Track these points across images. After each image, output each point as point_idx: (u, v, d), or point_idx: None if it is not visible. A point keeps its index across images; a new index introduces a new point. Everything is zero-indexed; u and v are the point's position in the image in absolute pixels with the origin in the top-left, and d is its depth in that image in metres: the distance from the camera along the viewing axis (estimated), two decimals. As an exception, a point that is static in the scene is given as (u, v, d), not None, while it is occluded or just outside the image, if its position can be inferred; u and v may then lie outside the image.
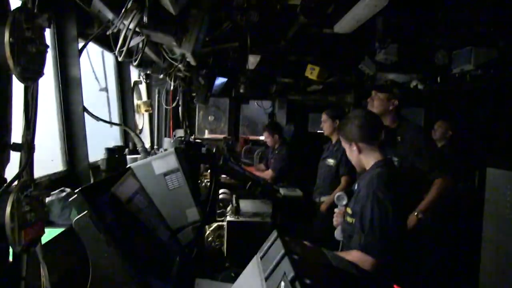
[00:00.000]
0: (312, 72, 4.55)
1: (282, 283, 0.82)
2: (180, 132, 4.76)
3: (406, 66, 4.29)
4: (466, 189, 4.09)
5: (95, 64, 2.65)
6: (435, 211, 2.84)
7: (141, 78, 3.61)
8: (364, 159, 1.98)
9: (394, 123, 2.79)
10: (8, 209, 0.92)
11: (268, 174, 5.03)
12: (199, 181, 3.28)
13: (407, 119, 2.88)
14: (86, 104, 2.16)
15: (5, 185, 0.99)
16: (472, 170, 4.44)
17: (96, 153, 2.36)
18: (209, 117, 7.38)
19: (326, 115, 4.05)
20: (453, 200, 3.70)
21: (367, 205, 1.80)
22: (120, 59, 1.86)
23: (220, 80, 5.83)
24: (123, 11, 1.65)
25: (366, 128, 1.96)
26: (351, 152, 2.02)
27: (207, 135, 7.42)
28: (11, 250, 1.01)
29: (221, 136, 7.11)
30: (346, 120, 2.05)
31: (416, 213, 2.58)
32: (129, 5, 1.64)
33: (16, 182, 1.00)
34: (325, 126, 4.06)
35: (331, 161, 3.94)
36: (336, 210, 2.16)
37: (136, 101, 3.54)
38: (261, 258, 1.02)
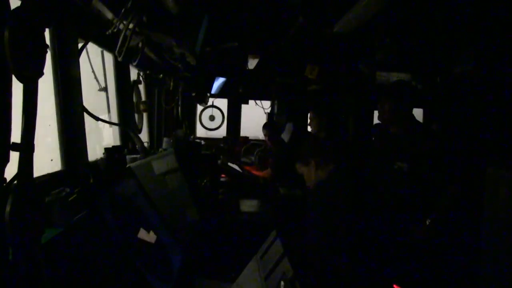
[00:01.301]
0: (312, 72, 4.54)
1: (282, 283, 0.82)
2: (180, 132, 4.75)
3: (406, 66, 4.27)
4: (465, 190, 4.08)
5: (95, 64, 2.65)
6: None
7: (141, 78, 3.60)
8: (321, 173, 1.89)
9: (405, 128, 2.68)
10: (8, 209, 0.92)
11: (267, 173, 5.03)
12: (199, 181, 3.28)
13: (418, 122, 2.77)
14: (85, 104, 2.15)
15: (5, 185, 0.99)
16: (472, 171, 4.42)
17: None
18: (209, 117, 7.38)
19: (313, 112, 3.95)
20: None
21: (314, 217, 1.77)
22: (120, 59, 1.86)
23: (220, 80, 5.84)
24: (123, 11, 1.65)
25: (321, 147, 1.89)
26: (309, 172, 1.91)
27: (207, 135, 7.42)
28: (11, 250, 1.01)
29: (220, 136, 7.12)
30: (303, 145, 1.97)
31: (427, 221, 2.52)
32: (129, 5, 1.64)
33: (16, 182, 1.00)
34: (313, 124, 3.94)
35: None
36: None
37: (135, 101, 3.53)
38: (261, 257, 1.03)
